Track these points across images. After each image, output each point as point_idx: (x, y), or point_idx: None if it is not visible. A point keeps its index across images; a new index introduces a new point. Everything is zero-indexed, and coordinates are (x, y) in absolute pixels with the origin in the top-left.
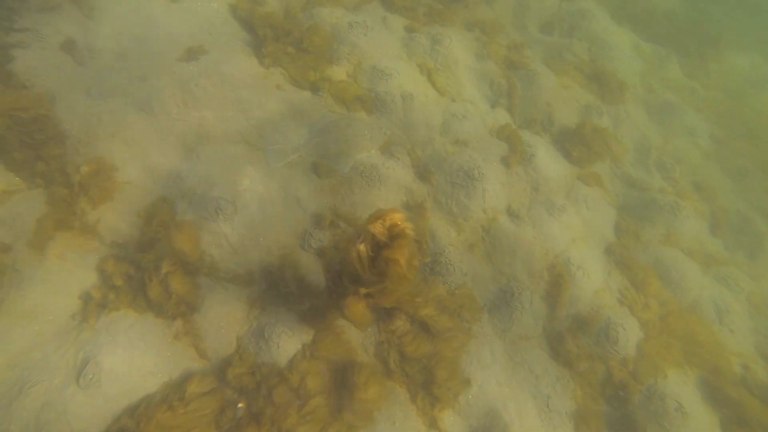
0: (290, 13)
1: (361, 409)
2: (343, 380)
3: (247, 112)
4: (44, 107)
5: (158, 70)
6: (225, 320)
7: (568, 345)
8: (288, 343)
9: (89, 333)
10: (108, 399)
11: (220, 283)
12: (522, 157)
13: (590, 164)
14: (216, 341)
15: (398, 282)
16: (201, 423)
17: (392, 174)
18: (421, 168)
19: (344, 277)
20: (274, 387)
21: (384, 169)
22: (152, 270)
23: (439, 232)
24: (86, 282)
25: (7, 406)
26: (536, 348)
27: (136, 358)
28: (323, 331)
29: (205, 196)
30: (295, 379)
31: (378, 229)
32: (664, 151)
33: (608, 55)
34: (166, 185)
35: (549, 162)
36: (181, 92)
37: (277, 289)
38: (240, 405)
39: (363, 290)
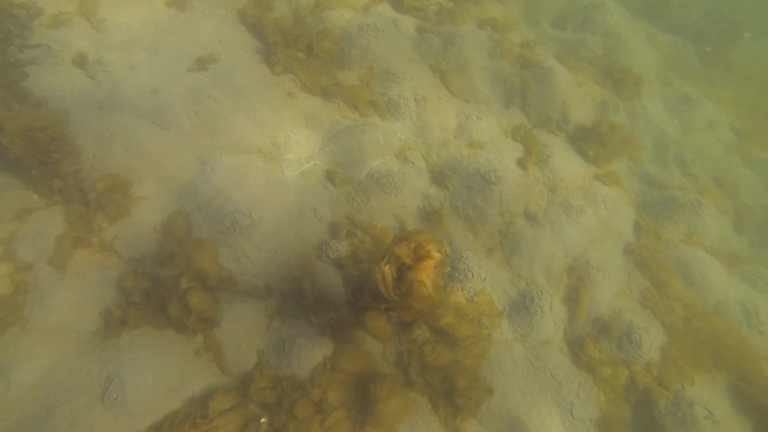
0: (299, 17)
1: (383, 421)
2: (364, 392)
3: (260, 122)
4: (59, 126)
5: (169, 81)
6: (245, 334)
7: (589, 350)
8: (309, 355)
9: (112, 350)
10: (133, 417)
11: (238, 297)
12: (538, 159)
13: (607, 163)
14: (237, 355)
15: (423, 301)
16: None
17: (408, 180)
18: (437, 172)
19: (366, 293)
20: (296, 401)
21: (400, 175)
22: (171, 287)
23: (456, 237)
24: (106, 298)
25: (36, 426)
26: (557, 353)
27: (159, 375)
28: (343, 343)
29: (220, 210)
30: (317, 393)
31: (403, 251)
32: (684, 147)
33: (623, 49)
34: (181, 199)
35: (565, 162)
36: (193, 104)
37: (296, 301)
38: (263, 420)
39: (384, 305)
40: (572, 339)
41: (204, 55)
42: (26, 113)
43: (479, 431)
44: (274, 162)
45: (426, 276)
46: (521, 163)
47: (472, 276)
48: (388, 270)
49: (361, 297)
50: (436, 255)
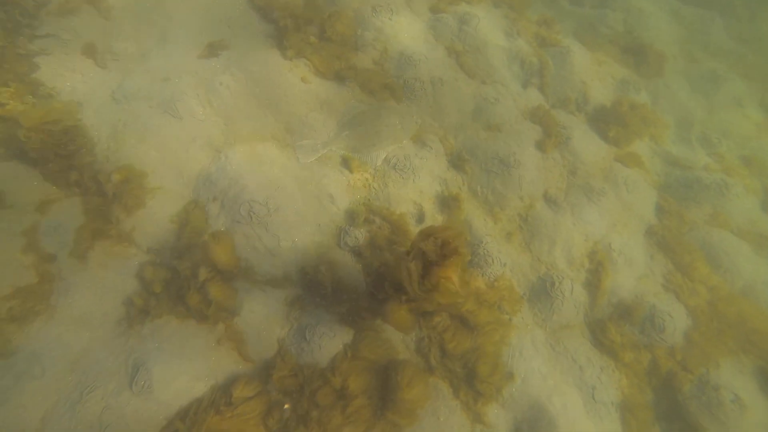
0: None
1: (404, 408)
2: (385, 379)
3: (273, 108)
4: (73, 118)
5: (180, 69)
6: (265, 322)
7: (611, 334)
8: (329, 344)
9: (136, 339)
10: (160, 403)
11: (257, 286)
12: (558, 141)
13: (628, 144)
14: (258, 344)
15: (449, 297)
16: (249, 426)
17: (426, 165)
18: (455, 156)
19: (387, 284)
20: (318, 389)
21: (417, 160)
22: (190, 278)
23: (475, 222)
24: (128, 289)
25: (71, 408)
26: (579, 337)
27: (183, 363)
28: (363, 331)
29: (236, 200)
30: (337, 381)
31: (430, 247)
32: (709, 125)
33: (645, 25)
34: (196, 188)
35: (585, 144)
36: (205, 92)
37: (314, 290)
38: (286, 406)
39: (406, 297)
40: (593, 323)
41: (214, 41)
42: (39, 107)
43: (500, 415)
44: (288, 149)
45: (453, 272)
46: (540, 146)
47: (492, 261)
48: (413, 266)
49: (381, 288)
50: (464, 251)
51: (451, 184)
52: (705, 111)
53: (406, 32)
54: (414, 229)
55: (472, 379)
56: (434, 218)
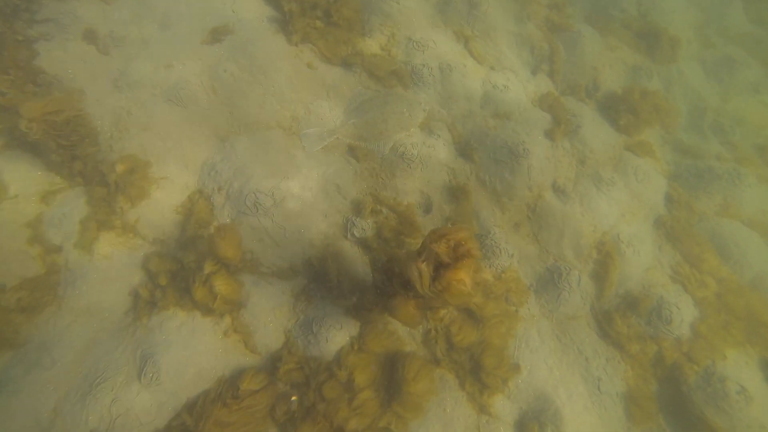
0: None
1: (410, 402)
2: (391, 372)
3: (279, 95)
4: (75, 108)
5: (183, 55)
6: (272, 314)
7: (617, 325)
8: (336, 336)
9: (143, 331)
10: (169, 394)
11: (264, 278)
12: (567, 129)
13: (639, 132)
14: (264, 335)
15: (460, 298)
16: (255, 418)
17: (433, 153)
18: (463, 144)
19: (395, 280)
20: (324, 382)
21: (425, 149)
22: (195, 270)
23: (483, 212)
24: (134, 280)
25: (81, 399)
26: (585, 328)
27: (190, 355)
28: (370, 323)
29: (242, 190)
30: (344, 375)
31: (442, 249)
32: (722, 113)
33: (660, 8)
34: (201, 178)
35: (595, 132)
36: (209, 79)
37: (321, 282)
38: (293, 398)
39: (414, 294)
40: (600, 314)
41: (218, 26)
42: (40, 97)
43: (506, 406)
44: (294, 137)
45: (466, 275)
46: (549, 134)
47: (500, 252)
48: (425, 267)
49: (389, 283)
50: (477, 254)
51: (458, 173)
52: (719, 98)
53: (414, 17)
54: (421, 220)
55: (478, 371)
56: (441, 208)
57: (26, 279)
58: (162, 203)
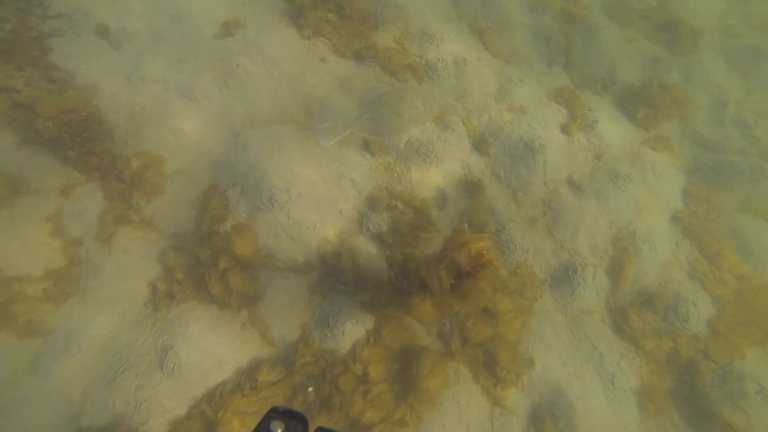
0: None
1: (425, 397)
2: (406, 366)
3: (292, 89)
4: (90, 105)
5: (195, 50)
6: (288, 308)
7: (633, 322)
8: (352, 330)
9: (163, 323)
10: (190, 383)
11: (279, 273)
12: (583, 123)
13: (657, 126)
14: (281, 328)
15: (479, 304)
16: None
17: (448, 148)
18: (478, 139)
19: (412, 280)
20: (340, 375)
21: (440, 143)
22: (210, 266)
23: (498, 207)
24: (152, 273)
25: (108, 385)
26: (599, 323)
27: (209, 347)
28: (385, 318)
29: (257, 185)
30: (359, 368)
31: (463, 257)
32: (745, 106)
33: None
34: (215, 173)
35: (612, 127)
36: (222, 74)
37: (337, 276)
38: (310, 389)
39: (430, 294)
40: (615, 310)
41: (229, 20)
42: (55, 95)
43: (520, 400)
44: (308, 131)
45: (487, 284)
46: (565, 129)
47: (515, 248)
48: (445, 275)
49: (406, 281)
50: (499, 264)
51: (474, 168)
52: (742, 90)
53: (427, 9)
54: (436, 215)
55: (493, 366)
56: (457, 204)
57: (50, 270)
58: (177, 198)
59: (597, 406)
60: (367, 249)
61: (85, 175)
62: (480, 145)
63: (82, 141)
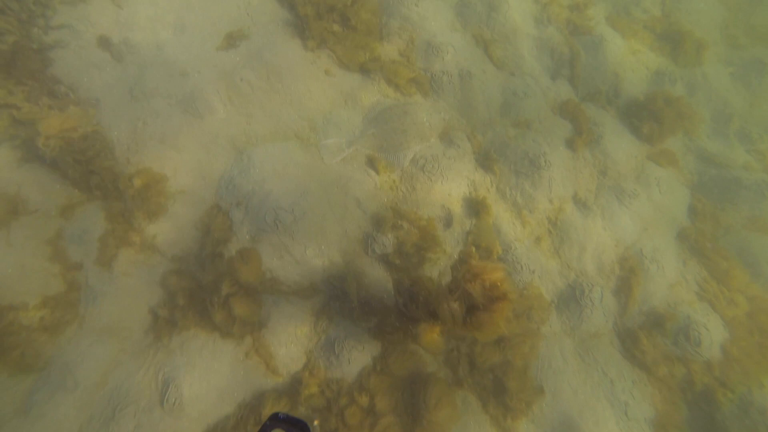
0: None
1: (432, 430)
2: (413, 394)
3: (296, 104)
4: (91, 123)
5: (198, 62)
6: (293, 334)
7: (643, 345)
8: (358, 357)
9: (164, 353)
10: (192, 419)
11: (284, 297)
12: (589, 138)
13: (662, 140)
14: (286, 356)
15: (492, 336)
16: None
17: (454, 165)
18: (483, 155)
19: (420, 306)
20: (346, 407)
21: (445, 160)
22: (213, 291)
23: (504, 226)
24: (153, 298)
25: (105, 425)
26: (608, 346)
27: (212, 378)
28: (392, 344)
29: (261, 206)
30: (365, 399)
31: (477, 290)
32: (750, 119)
33: (685, 8)
34: (219, 192)
35: (617, 142)
36: (225, 88)
37: (342, 300)
38: (315, 423)
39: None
40: (623, 332)
41: (233, 31)
42: (56, 113)
43: (530, 429)
44: (313, 148)
45: (501, 317)
46: (571, 144)
47: (521, 268)
48: (457, 307)
49: (414, 308)
50: (513, 297)
51: (479, 185)
52: (746, 103)
53: (433, 20)
54: (442, 235)
55: (502, 394)
56: (462, 222)
57: (48, 297)
58: (180, 218)
59: None
60: (373, 271)
61: (86, 194)
62: (485, 161)
63: (82, 159)
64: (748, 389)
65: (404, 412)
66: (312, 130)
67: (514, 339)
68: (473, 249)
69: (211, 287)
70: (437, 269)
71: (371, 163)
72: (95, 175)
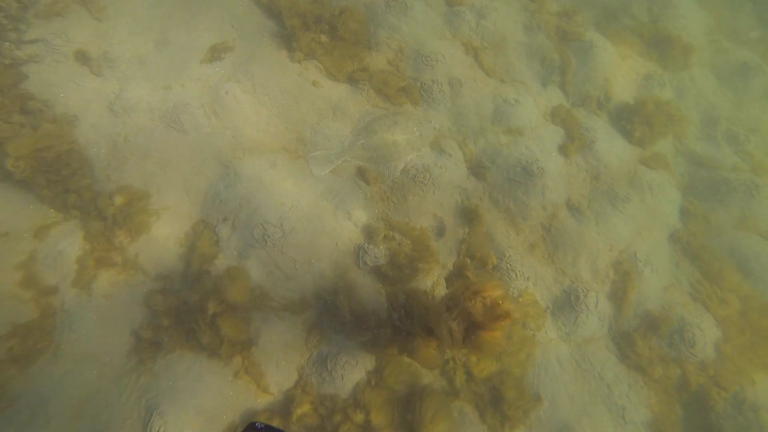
0: None
1: None
2: (409, 409)
3: (283, 116)
4: (67, 141)
5: (181, 75)
6: (284, 351)
7: (638, 348)
8: (352, 372)
9: (148, 377)
10: None
11: (274, 312)
12: (581, 144)
13: (653, 144)
14: (277, 374)
15: (492, 354)
16: None
17: (445, 174)
18: (475, 163)
19: (415, 322)
20: (341, 424)
21: (437, 170)
22: (199, 311)
23: (497, 233)
24: (136, 319)
25: None
26: (603, 350)
27: (199, 402)
28: (387, 357)
29: (249, 221)
30: (360, 417)
31: (477, 309)
32: (736, 121)
33: (672, 14)
34: (204, 208)
35: (609, 147)
36: (210, 101)
37: (334, 314)
38: None
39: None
40: (618, 336)
41: (218, 43)
42: (29, 132)
43: None
44: (301, 160)
45: (502, 336)
46: (563, 150)
47: (516, 276)
48: (456, 326)
49: (409, 323)
50: (515, 315)
51: (471, 194)
52: (733, 106)
53: (422, 28)
54: (435, 245)
55: (499, 402)
56: (455, 232)
57: (18, 325)
58: (164, 236)
59: None
60: (365, 284)
61: (62, 214)
62: (477, 169)
63: (57, 180)
64: (740, 387)
65: (401, 426)
66: (300, 142)
67: (511, 347)
68: (468, 261)
69: (198, 306)
70: (431, 280)
71: (361, 174)
72: (72, 194)
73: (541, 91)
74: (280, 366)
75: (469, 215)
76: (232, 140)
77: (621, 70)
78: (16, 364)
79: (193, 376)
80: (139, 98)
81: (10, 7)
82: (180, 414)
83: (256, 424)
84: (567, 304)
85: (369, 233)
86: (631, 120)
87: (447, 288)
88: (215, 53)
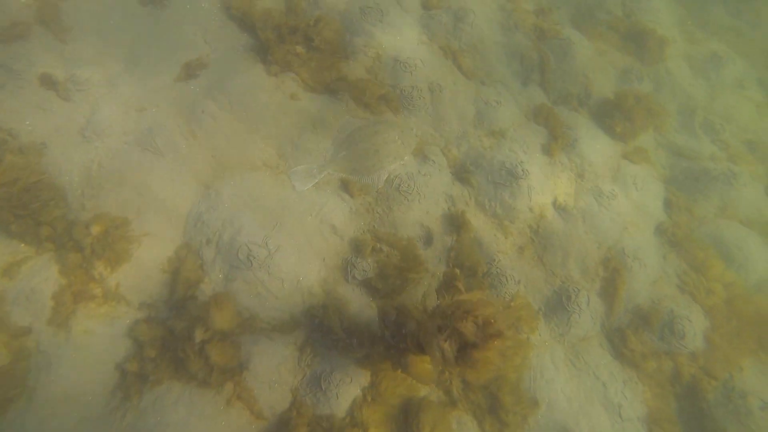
0: (292, 5)
1: None
2: (407, 423)
3: (262, 132)
4: (35, 173)
5: (155, 96)
6: (276, 373)
7: (631, 343)
8: (347, 390)
9: (134, 414)
10: None
11: (264, 334)
12: (564, 143)
13: (634, 138)
14: (270, 397)
15: (488, 375)
16: None
17: (430, 182)
18: (459, 168)
19: (408, 338)
20: None
21: (421, 177)
22: (186, 339)
23: (485, 238)
24: (120, 353)
25: None
26: (597, 348)
27: None
28: (382, 372)
29: (233, 242)
30: None
31: (469, 329)
32: (711, 111)
33: (645, 7)
34: (187, 231)
35: (592, 143)
36: (186, 122)
37: (325, 332)
38: None
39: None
40: (611, 332)
41: (191, 60)
42: None
43: None
44: (283, 176)
45: (496, 357)
46: (546, 150)
47: (506, 280)
48: (448, 347)
49: (401, 339)
50: (510, 334)
51: (457, 200)
52: (707, 96)
53: (398, 34)
54: (423, 254)
55: (497, 409)
56: (443, 240)
57: None
58: (146, 263)
59: None
60: (355, 298)
61: (35, 248)
62: (461, 174)
63: (25, 214)
64: (729, 375)
65: None
66: (281, 157)
67: (506, 351)
68: (458, 272)
69: (185, 334)
70: (421, 289)
71: (345, 186)
72: (45, 227)
73: (521, 90)
74: (273, 389)
75: (456, 222)
76: (212, 159)
77: (599, 65)
78: None
79: (183, 409)
80: (111, 122)
81: None
82: None
83: None
84: (559, 304)
85: (356, 246)
86: (612, 115)
87: (438, 300)
88: (189, 70)
